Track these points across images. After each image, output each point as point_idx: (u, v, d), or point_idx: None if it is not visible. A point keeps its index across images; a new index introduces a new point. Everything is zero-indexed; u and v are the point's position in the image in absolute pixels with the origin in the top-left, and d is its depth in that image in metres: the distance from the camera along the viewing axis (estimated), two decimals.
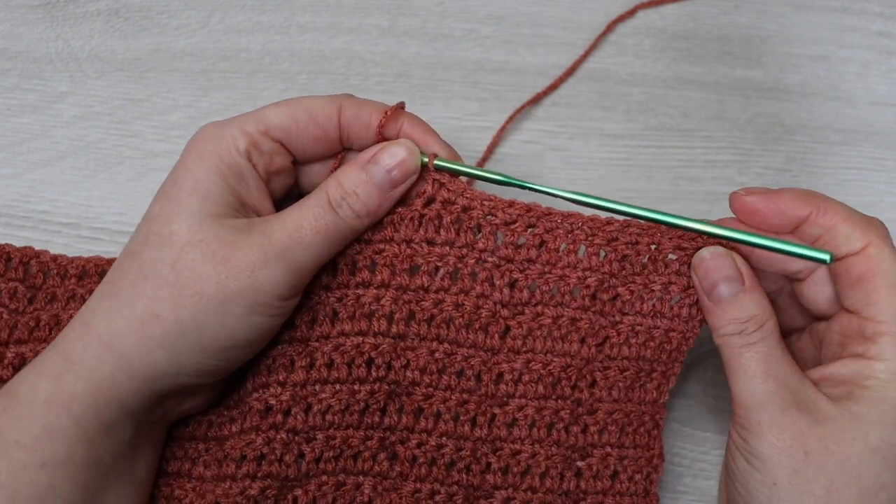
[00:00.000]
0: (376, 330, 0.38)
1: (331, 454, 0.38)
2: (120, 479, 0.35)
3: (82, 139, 0.52)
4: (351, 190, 0.36)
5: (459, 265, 0.38)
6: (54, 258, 0.45)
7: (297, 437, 0.37)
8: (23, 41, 0.55)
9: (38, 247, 0.48)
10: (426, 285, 0.38)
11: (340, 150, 0.40)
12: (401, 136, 0.39)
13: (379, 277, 0.38)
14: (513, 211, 0.38)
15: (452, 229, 0.38)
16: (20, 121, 0.52)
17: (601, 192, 0.52)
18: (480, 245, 0.38)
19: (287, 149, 0.38)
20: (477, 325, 0.38)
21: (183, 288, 0.34)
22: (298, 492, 0.38)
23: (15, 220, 0.49)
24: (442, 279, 0.38)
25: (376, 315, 0.38)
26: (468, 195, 0.38)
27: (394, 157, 0.37)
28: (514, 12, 0.58)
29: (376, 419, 0.38)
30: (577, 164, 0.53)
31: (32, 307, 0.44)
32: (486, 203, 0.38)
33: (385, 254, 0.38)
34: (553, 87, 0.55)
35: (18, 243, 0.48)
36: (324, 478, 0.38)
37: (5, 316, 0.43)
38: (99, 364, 0.33)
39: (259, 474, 0.37)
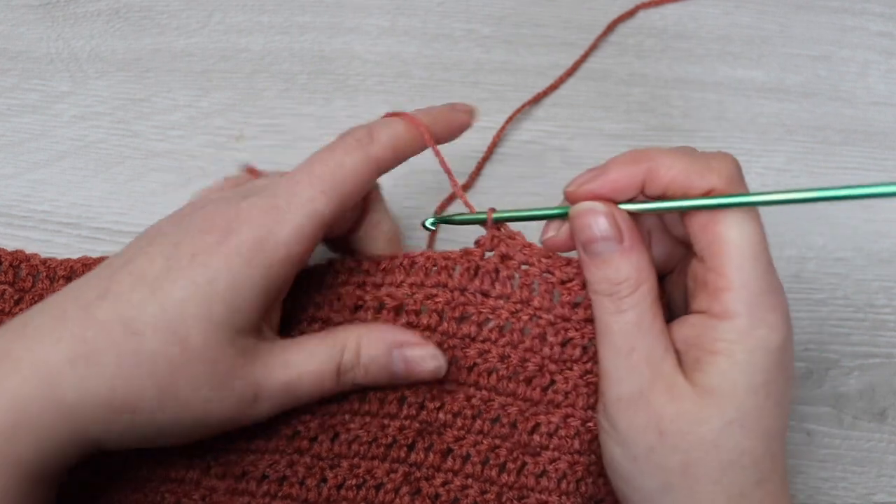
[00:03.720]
0: None
1: (353, 482, 0.38)
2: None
3: (82, 139, 0.52)
4: (364, 365, 0.35)
5: (512, 319, 0.37)
6: (44, 261, 0.45)
7: (321, 462, 0.37)
8: (23, 41, 0.55)
9: (38, 246, 0.48)
10: (473, 335, 0.37)
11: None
12: (375, 240, 0.38)
13: (426, 321, 0.37)
14: (570, 269, 0.36)
15: (509, 284, 0.37)
16: (20, 120, 0.53)
17: None
18: (536, 303, 0.36)
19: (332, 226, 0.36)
20: (521, 377, 0.37)
21: (173, 397, 0.31)
22: None
23: (15, 220, 0.49)
24: (491, 331, 0.37)
25: None
26: (526, 252, 0.36)
27: (421, 363, 0.35)
28: (515, 12, 0.58)
29: (402, 454, 0.38)
30: (578, 164, 0.53)
31: (18, 308, 0.44)
32: (544, 261, 0.36)
33: (437, 299, 0.37)
34: (553, 88, 0.55)
35: (18, 243, 0.48)
36: None
37: None
38: (53, 434, 0.30)
39: (279, 494, 0.37)
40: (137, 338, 0.31)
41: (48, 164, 0.51)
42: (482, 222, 0.36)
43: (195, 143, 0.52)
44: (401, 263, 0.37)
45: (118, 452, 0.36)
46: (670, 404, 0.32)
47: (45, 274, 0.44)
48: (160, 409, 0.31)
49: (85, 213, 0.50)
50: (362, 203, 0.38)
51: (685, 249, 0.35)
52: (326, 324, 0.38)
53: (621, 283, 0.32)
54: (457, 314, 0.37)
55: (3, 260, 0.44)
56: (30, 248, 0.48)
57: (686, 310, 0.34)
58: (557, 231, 0.35)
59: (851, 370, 0.48)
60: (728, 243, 0.31)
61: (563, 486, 0.37)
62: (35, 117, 0.53)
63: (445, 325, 0.37)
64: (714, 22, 0.59)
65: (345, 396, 0.37)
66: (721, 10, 0.59)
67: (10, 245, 0.48)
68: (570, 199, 0.34)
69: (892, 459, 0.46)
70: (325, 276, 0.38)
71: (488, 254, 0.37)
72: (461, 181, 0.51)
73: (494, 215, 0.36)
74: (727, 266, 0.31)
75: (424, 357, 0.35)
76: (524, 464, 0.38)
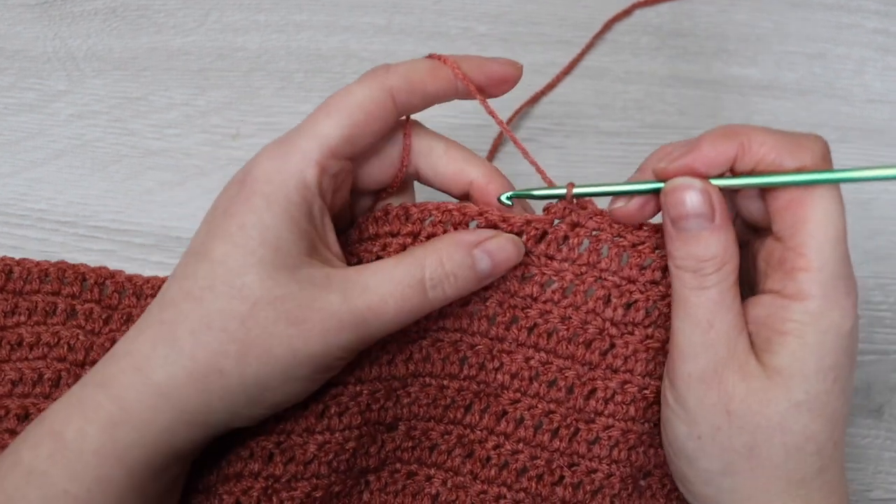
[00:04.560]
0: (476, 329, 0.37)
1: (409, 444, 0.38)
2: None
3: (79, 137, 0.52)
4: (451, 272, 0.34)
5: (576, 281, 0.37)
6: (129, 278, 0.45)
7: (380, 427, 0.38)
8: (20, 40, 0.55)
9: (35, 245, 0.48)
10: (535, 295, 0.37)
11: (404, 121, 0.37)
12: (438, 168, 0.37)
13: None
14: (641, 233, 0.36)
15: (576, 249, 0.36)
16: (17, 119, 0.53)
17: None
18: (603, 265, 0.36)
19: (350, 158, 0.35)
20: (581, 340, 0.37)
21: (252, 346, 0.31)
22: (371, 477, 0.38)
23: (12, 219, 0.49)
24: (554, 292, 0.37)
25: (478, 315, 0.37)
26: (597, 220, 0.36)
27: (502, 251, 0.35)
28: (511, 10, 0.58)
29: (459, 415, 0.38)
30: (574, 161, 0.54)
31: (108, 328, 0.44)
32: (615, 226, 0.36)
33: None
34: (551, 86, 0.56)
35: (15, 241, 0.48)
36: (398, 465, 0.38)
37: (81, 337, 0.43)
38: (155, 415, 0.32)
39: (339, 468, 0.37)
40: (201, 303, 0.32)
41: (45, 163, 0.51)
42: (562, 198, 0.36)
43: (192, 141, 0.52)
44: (461, 221, 0.36)
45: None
46: (741, 384, 0.31)
47: (131, 291, 0.45)
48: (245, 364, 0.31)
49: (82, 212, 0.50)
50: (400, 137, 0.37)
51: (751, 232, 0.35)
52: None
53: (708, 260, 0.32)
54: (519, 273, 0.36)
55: (87, 277, 0.45)
56: (27, 247, 0.48)
57: (748, 293, 0.34)
58: (627, 203, 0.35)
59: None
60: (812, 223, 0.31)
61: (615, 454, 0.37)
62: (32, 116, 0.53)
63: (507, 283, 0.37)
64: (709, 20, 0.59)
65: (409, 357, 0.37)
66: (716, 8, 0.59)
67: (7, 244, 0.48)
68: (660, 175, 0.33)
69: (889, 456, 0.46)
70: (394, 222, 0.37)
71: (557, 221, 0.36)
72: None
73: (575, 190, 0.35)
74: (807, 246, 0.31)
75: (504, 245, 0.35)
76: (577, 430, 0.38)
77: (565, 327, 0.37)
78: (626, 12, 0.59)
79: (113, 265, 0.46)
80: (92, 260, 0.47)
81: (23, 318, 0.44)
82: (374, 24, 0.57)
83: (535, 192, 0.36)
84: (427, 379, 0.38)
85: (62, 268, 0.45)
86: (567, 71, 0.56)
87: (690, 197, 0.32)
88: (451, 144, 0.37)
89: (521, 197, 0.36)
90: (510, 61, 0.36)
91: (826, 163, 0.32)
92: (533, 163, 0.36)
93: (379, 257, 0.36)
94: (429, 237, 0.36)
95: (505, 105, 0.54)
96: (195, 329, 0.32)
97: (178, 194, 0.50)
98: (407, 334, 0.37)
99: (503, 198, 0.36)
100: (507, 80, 0.36)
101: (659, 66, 0.57)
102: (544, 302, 0.37)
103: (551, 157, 0.53)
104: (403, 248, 0.36)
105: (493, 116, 0.37)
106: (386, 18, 0.58)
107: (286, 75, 0.55)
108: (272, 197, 0.32)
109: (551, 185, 0.36)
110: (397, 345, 0.37)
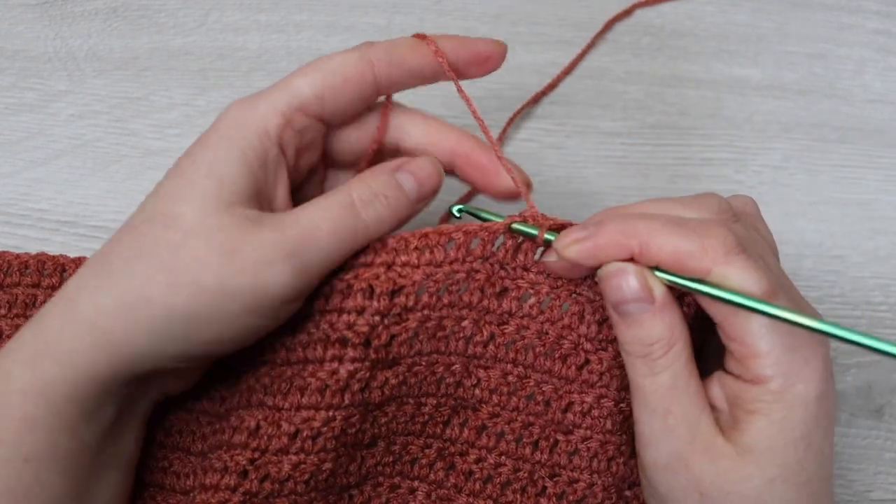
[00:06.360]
0: (452, 350, 0.37)
1: (390, 459, 0.38)
2: (108, 463, 0.34)
3: (80, 137, 0.52)
4: (381, 193, 0.34)
5: (552, 294, 0.36)
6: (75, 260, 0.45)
7: (358, 447, 0.37)
8: (20, 40, 0.55)
9: (35, 245, 0.48)
10: (513, 310, 0.37)
11: (381, 100, 0.38)
12: (416, 138, 0.37)
13: (466, 300, 0.36)
14: None
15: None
16: (18, 119, 0.53)
17: (598, 190, 0.53)
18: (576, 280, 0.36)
19: (321, 119, 0.35)
20: (557, 355, 0.37)
21: (181, 274, 0.31)
22: (354, 491, 0.38)
23: (13, 219, 0.49)
24: (531, 307, 0.37)
25: (454, 337, 0.37)
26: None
27: (423, 170, 0.35)
28: (511, 10, 0.58)
29: (438, 430, 0.38)
30: (575, 161, 0.54)
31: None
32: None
33: (478, 276, 0.36)
34: (552, 86, 0.56)
35: (16, 241, 0.48)
36: (380, 479, 0.38)
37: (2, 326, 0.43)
38: (77, 345, 0.31)
39: (321, 481, 0.37)
40: (138, 233, 0.32)
41: (46, 163, 0.51)
42: (503, 227, 0.35)
43: (192, 141, 0.52)
44: (437, 243, 0.36)
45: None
46: (710, 465, 0.31)
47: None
48: (173, 294, 0.31)
49: (82, 212, 0.50)
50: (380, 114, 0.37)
51: None
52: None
53: (654, 343, 0.31)
54: (496, 290, 0.36)
55: (67, 269, 0.44)
56: (27, 247, 0.48)
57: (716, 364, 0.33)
58: (558, 260, 0.34)
59: (848, 367, 0.48)
60: (742, 312, 0.30)
61: (595, 464, 0.37)
62: (32, 116, 0.53)
63: (484, 302, 0.36)
64: (710, 20, 0.59)
65: (385, 383, 0.36)
66: (717, 8, 0.59)
67: (8, 244, 0.48)
68: (560, 254, 0.33)
69: (889, 456, 0.46)
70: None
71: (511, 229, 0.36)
72: None
73: (514, 225, 0.35)
74: (748, 336, 0.30)
75: (424, 164, 0.36)
76: (556, 441, 0.38)
77: (541, 343, 0.37)
78: (627, 12, 0.59)
79: None
80: None
81: (2, 311, 0.44)
82: (375, 25, 0.57)
83: (482, 214, 0.36)
84: (403, 399, 0.38)
85: (42, 260, 0.45)
86: (568, 71, 0.56)
87: (626, 282, 0.32)
88: (430, 117, 0.38)
89: (470, 213, 0.37)
90: (494, 40, 0.36)
91: (731, 257, 0.30)
92: (501, 159, 0.37)
93: (349, 285, 0.35)
94: (403, 265, 0.35)
95: (505, 105, 0.54)
96: (128, 258, 0.32)
97: None
98: (380, 362, 0.37)
99: (454, 210, 0.37)
100: (491, 57, 0.36)
101: (659, 67, 0.57)
102: (521, 317, 0.37)
103: (552, 158, 0.53)
104: (375, 277, 0.35)
105: (464, 97, 0.36)
106: (386, 18, 0.58)
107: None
108: (229, 137, 0.33)
109: (516, 186, 0.37)
110: (370, 373, 0.37)
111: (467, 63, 0.36)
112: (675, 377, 0.31)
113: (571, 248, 0.32)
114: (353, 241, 0.34)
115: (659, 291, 0.31)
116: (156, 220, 0.32)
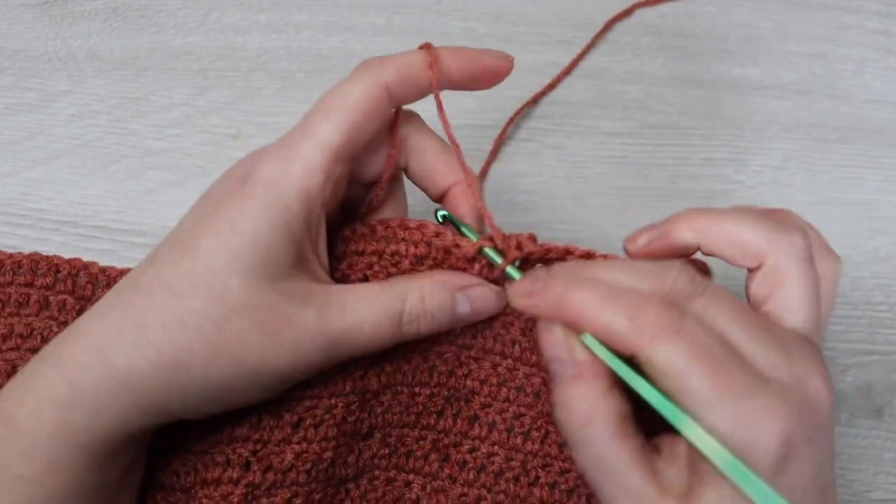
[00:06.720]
0: (443, 339, 0.38)
1: (386, 451, 0.39)
2: (124, 489, 0.35)
3: (80, 137, 0.52)
4: (430, 312, 0.34)
5: None
6: (103, 269, 0.45)
7: (356, 437, 0.38)
8: (21, 40, 0.55)
9: (35, 245, 0.48)
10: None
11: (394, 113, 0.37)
12: (427, 165, 0.36)
13: None
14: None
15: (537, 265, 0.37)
16: (18, 119, 0.53)
17: (598, 190, 0.53)
18: None
19: (350, 160, 0.34)
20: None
21: (222, 349, 0.31)
22: (351, 485, 0.39)
23: (13, 219, 0.49)
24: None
25: None
26: (548, 246, 0.36)
27: (484, 301, 0.35)
28: (511, 10, 0.58)
29: (432, 421, 0.39)
30: (575, 161, 0.54)
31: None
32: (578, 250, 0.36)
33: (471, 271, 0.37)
34: (552, 86, 0.56)
35: (16, 241, 0.48)
36: (376, 472, 0.39)
37: (55, 328, 0.43)
38: (111, 400, 0.31)
39: (318, 476, 0.37)
40: (178, 298, 0.31)
41: (46, 163, 0.51)
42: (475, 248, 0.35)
43: (192, 141, 0.52)
44: (420, 240, 0.36)
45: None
46: None
47: (105, 282, 0.44)
48: (212, 365, 0.31)
49: (82, 212, 0.50)
50: (392, 134, 0.36)
51: None
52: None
53: (571, 413, 0.30)
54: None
55: (61, 269, 0.44)
56: (27, 247, 0.48)
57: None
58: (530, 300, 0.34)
59: (848, 368, 0.48)
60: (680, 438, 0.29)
61: None
62: (32, 116, 0.53)
63: None
64: (710, 20, 0.59)
65: (382, 370, 0.37)
66: (717, 9, 0.59)
67: (8, 244, 0.48)
68: (509, 300, 0.34)
69: (889, 456, 0.46)
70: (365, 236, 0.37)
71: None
72: None
73: (486, 250, 0.35)
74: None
75: (487, 295, 0.35)
76: (548, 432, 0.38)
77: (526, 339, 0.38)
78: (627, 12, 0.59)
79: (114, 265, 0.46)
80: (92, 260, 0.47)
81: None
82: (375, 25, 0.57)
83: (462, 227, 0.36)
84: (398, 387, 0.38)
85: (35, 259, 0.44)
86: (568, 71, 0.56)
87: (551, 339, 0.31)
88: (445, 147, 0.37)
89: (451, 221, 0.37)
90: (503, 54, 0.36)
91: (789, 254, 0.32)
92: (467, 171, 0.36)
93: (345, 275, 0.36)
94: (393, 255, 0.36)
95: (505, 105, 0.54)
96: (167, 323, 0.31)
97: (178, 194, 0.50)
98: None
99: (438, 214, 0.37)
100: (499, 72, 0.36)
101: (660, 67, 0.57)
102: (507, 314, 0.38)
103: (552, 158, 0.53)
104: (369, 267, 0.36)
105: (441, 112, 0.36)
106: (386, 18, 0.58)
107: (287, 75, 0.55)
108: (272, 204, 0.31)
109: (478, 201, 0.36)
110: (370, 359, 0.37)
111: (474, 78, 0.35)
112: (599, 447, 0.30)
113: (518, 300, 0.33)
114: (385, 346, 0.34)
115: (581, 356, 0.31)
116: (197, 288, 0.31)
